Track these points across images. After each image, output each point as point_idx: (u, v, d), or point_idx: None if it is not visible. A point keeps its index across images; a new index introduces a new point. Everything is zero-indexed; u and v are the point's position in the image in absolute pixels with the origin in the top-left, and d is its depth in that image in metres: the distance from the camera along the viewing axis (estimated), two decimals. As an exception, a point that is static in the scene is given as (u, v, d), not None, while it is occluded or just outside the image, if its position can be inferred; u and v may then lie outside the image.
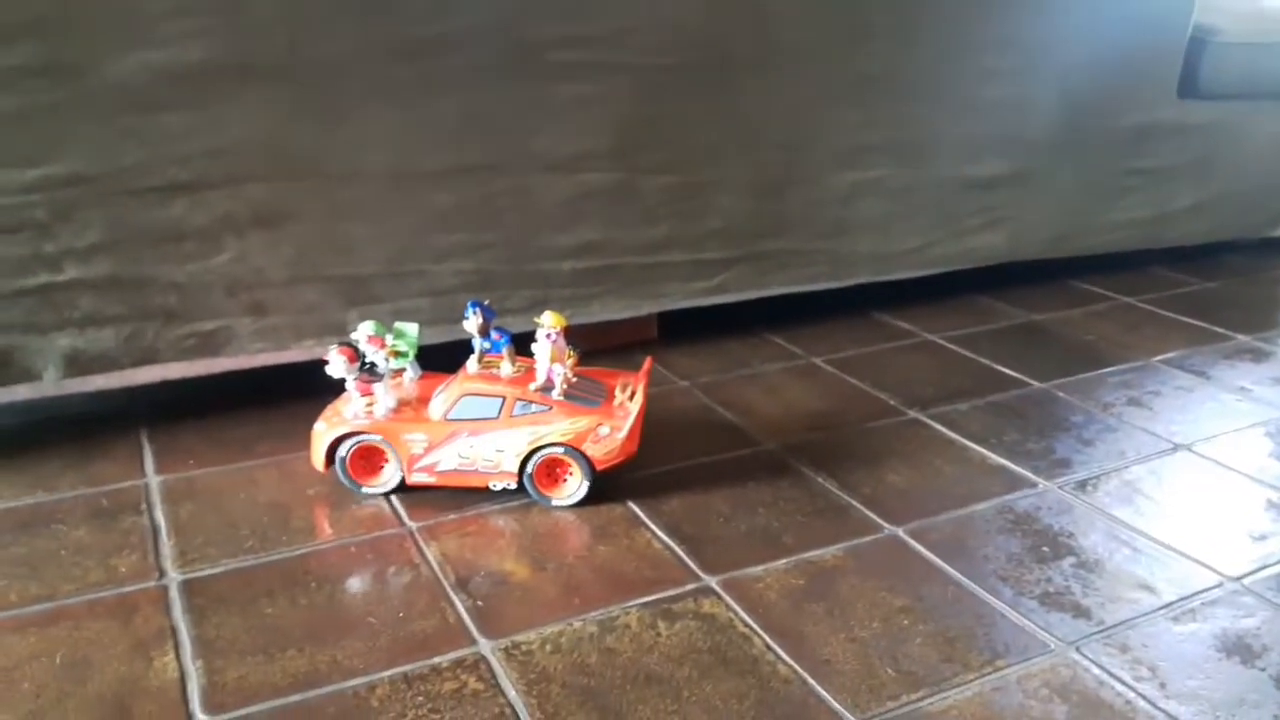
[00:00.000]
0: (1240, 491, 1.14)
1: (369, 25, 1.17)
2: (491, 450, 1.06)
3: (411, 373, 1.14)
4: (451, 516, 1.06)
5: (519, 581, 0.95)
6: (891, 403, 1.35)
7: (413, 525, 1.04)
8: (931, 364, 1.48)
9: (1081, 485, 1.14)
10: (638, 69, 1.34)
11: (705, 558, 0.99)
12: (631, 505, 1.08)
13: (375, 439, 1.07)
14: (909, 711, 0.80)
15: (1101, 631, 0.90)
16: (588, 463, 1.06)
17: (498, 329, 1.11)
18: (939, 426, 1.28)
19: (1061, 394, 1.39)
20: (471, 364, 1.11)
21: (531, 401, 1.06)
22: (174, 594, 0.92)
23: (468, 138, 1.28)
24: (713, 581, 0.96)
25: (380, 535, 1.02)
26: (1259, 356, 1.54)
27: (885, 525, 1.06)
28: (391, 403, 1.08)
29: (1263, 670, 0.85)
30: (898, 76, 1.53)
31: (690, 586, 0.95)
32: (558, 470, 1.08)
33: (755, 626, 0.89)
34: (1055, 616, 0.92)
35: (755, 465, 1.18)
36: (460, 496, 1.09)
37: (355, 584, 0.94)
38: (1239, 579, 0.98)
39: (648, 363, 1.16)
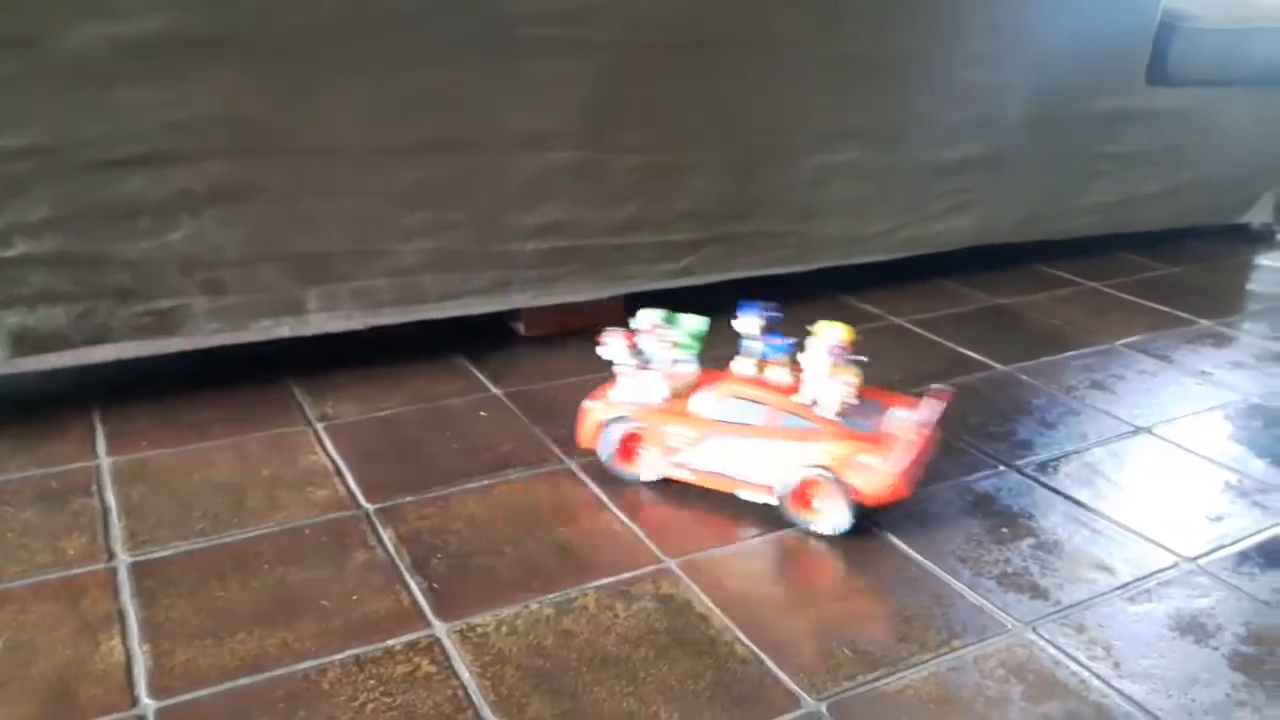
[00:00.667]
0: (1198, 473, 1.15)
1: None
2: (749, 458, 1.01)
3: (690, 367, 1.09)
4: (409, 498, 1.04)
5: (476, 563, 0.94)
6: (856, 385, 1.34)
7: (369, 507, 1.03)
8: (897, 347, 1.48)
9: (1042, 467, 1.15)
10: (610, 46, 1.32)
11: (666, 539, 0.99)
12: (593, 486, 1.07)
13: (640, 426, 1.05)
14: (865, 691, 0.80)
15: (1058, 612, 0.90)
16: (850, 493, 0.98)
17: (778, 333, 1.05)
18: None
19: (1025, 377, 1.39)
20: (741, 364, 1.06)
21: (799, 415, 1.00)
22: (123, 576, 0.91)
23: (435, 114, 1.26)
24: (673, 563, 0.95)
25: (336, 517, 1.01)
26: (1220, 341, 1.55)
27: (846, 507, 1.05)
28: (665, 393, 1.06)
29: (1215, 649, 0.86)
30: (874, 59, 1.53)
31: (650, 568, 0.94)
32: (813, 494, 1.00)
33: (714, 607, 0.89)
34: (1013, 597, 0.92)
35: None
36: (422, 478, 1.08)
37: (308, 566, 0.93)
38: (1195, 559, 0.98)
39: (941, 395, 1.09)
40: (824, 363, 0.99)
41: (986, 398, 1.32)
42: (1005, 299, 1.71)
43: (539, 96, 1.31)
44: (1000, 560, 0.97)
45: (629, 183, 1.43)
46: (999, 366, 1.42)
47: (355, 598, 0.89)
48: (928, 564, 0.96)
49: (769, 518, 1.03)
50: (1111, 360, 1.46)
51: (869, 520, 1.01)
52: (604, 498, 1.06)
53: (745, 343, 1.06)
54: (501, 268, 1.38)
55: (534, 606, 0.88)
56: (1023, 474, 1.13)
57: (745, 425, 1.01)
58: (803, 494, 1.00)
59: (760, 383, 1.03)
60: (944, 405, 1.07)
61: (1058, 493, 1.09)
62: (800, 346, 1.02)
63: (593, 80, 1.33)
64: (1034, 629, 0.88)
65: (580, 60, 1.31)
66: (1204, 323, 1.62)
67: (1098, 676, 0.82)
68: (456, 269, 1.35)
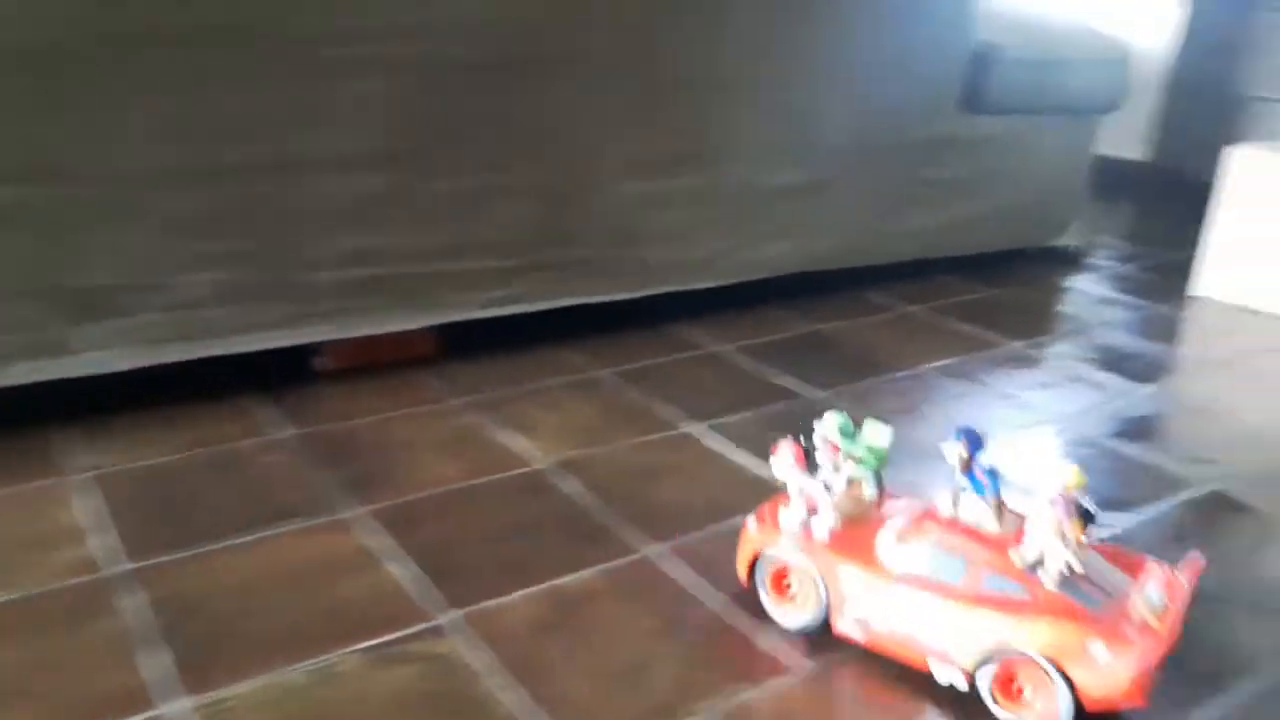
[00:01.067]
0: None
1: (116, 10, 1.05)
2: (941, 626, 0.81)
3: (869, 489, 0.92)
4: (173, 556, 0.96)
5: (236, 628, 0.87)
6: (669, 416, 1.32)
7: (125, 567, 0.94)
8: (715, 376, 1.47)
9: (846, 497, 1.15)
10: (420, 67, 1.27)
11: (450, 590, 0.93)
12: (378, 535, 1.01)
13: (800, 563, 0.88)
14: (641, 748, 0.76)
15: (855, 649, 0.89)
16: (1069, 689, 0.77)
17: (985, 468, 0.86)
18: (714, 439, 1.26)
19: (838, 402, 1.40)
20: (945, 502, 0.88)
21: (1010, 578, 0.80)
22: None
23: (225, 137, 1.17)
24: (453, 616, 0.90)
25: (84, 581, 0.92)
26: (1028, 363, 1.60)
27: (646, 544, 1.02)
28: (832, 523, 0.88)
29: (994, 681, 0.86)
30: (689, 81, 1.52)
31: (423, 625, 0.89)
32: (1021, 681, 0.79)
33: (491, 664, 0.84)
34: (802, 638, 0.90)
35: (521, 486, 1.13)
36: (192, 533, 0.99)
37: (42, 640, 0.84)
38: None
39: (1194, 565, 0.87)
40: (1050, 518, 0.79)
41: (796, 425, 1.31)
42: (825, 324, 1.72)
43: (341, 119, 1.25)
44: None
45: (440, 208, 1.37)
46: (808, 394, 1.42)
47: (89, 674, 0.80)
48: (725, 601, 0.94)
49: (563, 562, 0.98)
50: (922, 384, 1.48)
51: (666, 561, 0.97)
52: (388, 545, 0.99)
53: (954, 476, 0.87)
54: (300, 299, 1.30)
55: (290, 674, 0.81)
56: (825, 505, 1.13)
57: (942, 584, 0.82)
58: (1008, 679, 0.80)
59: (967, 530, 0.84)
60: (1195, 577, 0.86)
61: (858, 523, 1.09)
62: (1017, 487, 0.90)
63: (399, 102, 1.28)
64: (826, 666, 0.86)
65: (385, 81, 1.25)
66: (1015, 344, 1.67)
67: (894, 714, 0.81)
68: (248, 301, 1.27)
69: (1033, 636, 0.77)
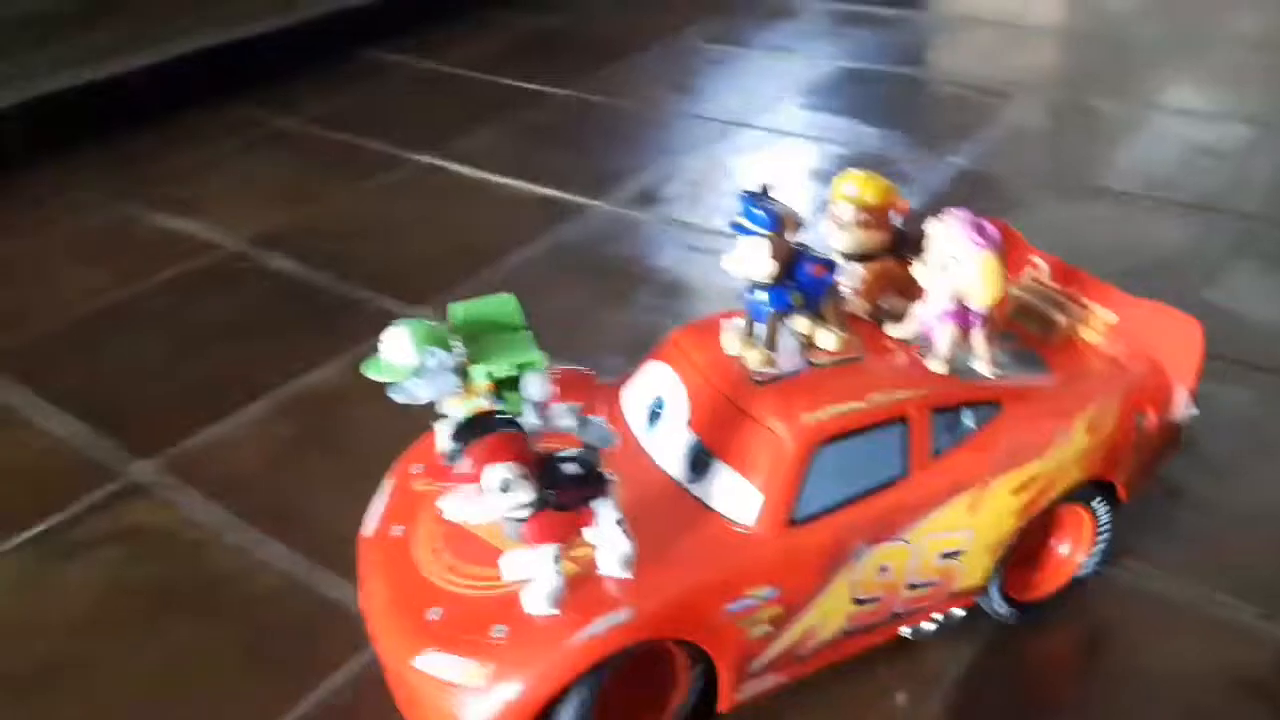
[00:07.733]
0: (802, 154, 0.98)
1: None
2: (909, 557, 0.46)
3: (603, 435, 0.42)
4: None
5: None
6: (395, 151, 1.01)
7: None
8: (439, 94, 1.16)
9: (641, 196, 0.91)
10: None
11: (133, 436, 0.64)
12: (15, 388, 0.69)
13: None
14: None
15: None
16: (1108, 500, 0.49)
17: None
18: (458, 167, 0.98)
19: (595, 98, 1.13)
20: (730, 340, 0.47)
21: (966, 401, 0.46)
22: None
23: None
24: (147, 469, 0.61)
25: None
26: (789, 14, 1.37)
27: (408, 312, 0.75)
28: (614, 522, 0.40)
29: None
30: None
31: (109, 488, 0.60)
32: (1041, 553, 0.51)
33: (220, 517, 0.57)
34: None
35: (212, 278, 0.82)
36: None
37: None
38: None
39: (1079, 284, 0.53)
40: (977, 276, 0.45)
41: (556, 131, 1.05)
42: (554, 18, 1.40)
43: None
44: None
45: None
46: (561, 91, 1.15)
47: None
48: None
49: (294, 358, 0.71)
50: (680, 55, 1.24)
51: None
52: (29, 399, 0.68)
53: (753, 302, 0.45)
54: None
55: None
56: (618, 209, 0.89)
57: (877, 488, 0.45)
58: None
59: (838, 376, 0.46)
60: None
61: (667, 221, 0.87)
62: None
63: None
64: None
65: None
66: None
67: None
68: None
69: (1057, 467, 0.47)
